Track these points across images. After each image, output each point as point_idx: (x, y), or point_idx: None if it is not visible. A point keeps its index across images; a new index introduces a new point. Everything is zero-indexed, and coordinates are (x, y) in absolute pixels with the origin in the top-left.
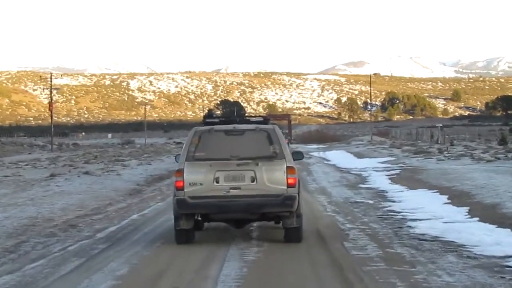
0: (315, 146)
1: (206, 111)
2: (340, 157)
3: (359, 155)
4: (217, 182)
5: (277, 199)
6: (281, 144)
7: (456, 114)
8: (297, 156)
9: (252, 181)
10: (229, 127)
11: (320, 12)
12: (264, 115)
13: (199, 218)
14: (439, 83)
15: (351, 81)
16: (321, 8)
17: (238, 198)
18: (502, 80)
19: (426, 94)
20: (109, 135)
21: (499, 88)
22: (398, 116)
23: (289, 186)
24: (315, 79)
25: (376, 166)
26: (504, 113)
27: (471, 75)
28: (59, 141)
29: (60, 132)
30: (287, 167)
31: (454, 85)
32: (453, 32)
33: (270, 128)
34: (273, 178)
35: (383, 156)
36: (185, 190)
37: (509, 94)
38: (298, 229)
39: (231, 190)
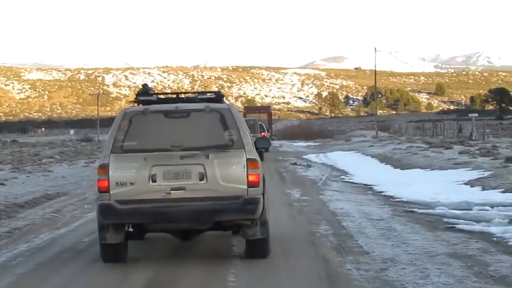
0: (303, 143)
1: (140, 86)
2: (360, 165)
3: (393, 162)
4: (154, 181)
5: (235, 202)
6: (239, 128)
7: (441, 108)
8: (262, 143)
9: (201, 179)
10: (170, 107)
11: (297, 6)
12: (217, 90)
13: (131, 230)
14: (422, 77)
15: (332, 75)
16: (298, 3)
17: (182, 203)
18: (486, 74)
19: (408, 88)
20: (71, 131)
21: (483, 82)
22: (381, 111)
23: (251, 185)
24: (295, 73)
25: (492, 200)
26: (498, 106)
27: (451, 70)
28: (0, 137)
29: (20, 128)
30: (248, 159)
31: (437, 79)
32: (432, 27)
33: (224, 108)
34: (228, 175)
35: (452, 166)
36: (110, 192)
37: (497, 87)
38: (263, 241)
39: (172, 192)
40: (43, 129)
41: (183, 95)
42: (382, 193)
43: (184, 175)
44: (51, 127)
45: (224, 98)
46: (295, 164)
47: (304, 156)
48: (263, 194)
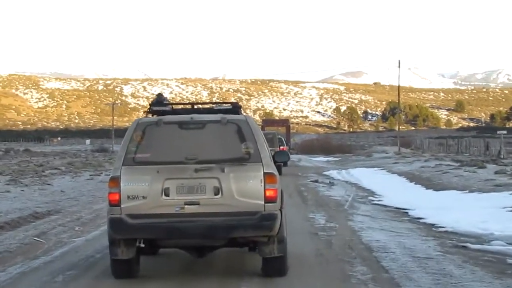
0: (322, 158)
1: (155, 96)
2: (387, 184)
3: (423, 182)
4: (167, 195)
5: (251, 218)
6: (256, 141)
7: (460, 125)
8: (280, 157)
9: (216, 194)
10: (185, 117)
11: (316, 22)
12: (234, 101)
13: (142, 245)
14: (441, 94)
15: (351, 89)
16: (317, 19)
17: (195, 218)
18: (506, 92)
19: (428, 105)
20: (87, 141)
21: (503, 100)
22: (400, 127)
23: (268, 200)
24: (314, 87)
25: None
26: None
27: (470, 87)
28: (14, 146)
29: (37, 137)
30: (265, 173)
31: (457, 96)
32: (452, 43)
33: (242, 119)
34: (245, 190)
35: (493, 188)
36: (121, 206)
37: None
38: (280, 259)
39: (186, 207)
40: (59, 138)
41: (199, 106)
42: (421, 220)
43: (198, 189)
44: (67, 137)
45: (242, 110)
46: (316, 181)
47: (325, 172)
48: (280, 210)
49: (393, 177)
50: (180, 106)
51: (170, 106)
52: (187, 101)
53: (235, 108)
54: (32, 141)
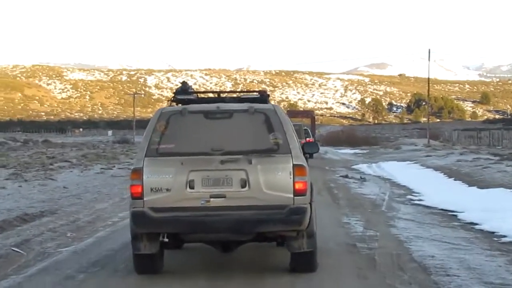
0: (349, 150)
1: (180, 84)
2: (424, 181)
3: (463, 178)
4: (191, 187)
5: (280, 212)
6: (285, 131)
7: (486, 117)
8: (310, 148)
9: (243, 186)
10: (211, 107)
11: (341, 13)
12: (261, 90)
13: (166, 240)
14: (466, 86)
15: (375, 81)
16: (342, 10)
17: (222, 211)
18: None
19: (453, 96)
20: (109, 132)
21: None
22: (424, 119)
23: (297, 193)
24: (338, 78)
25: None
26: None
27: (495, 79)
28: (35, 137)
29: (59, 128)
30: (294, 165)
31: (482, 88)
32: (477, 35)
33: (270, 109)
34: (273, 182)
35: None
36: (144, 199)
37: None
38: (310, 255)
39: (212, 200)
40: (80, 129)
41: (225, 95)
42: (476, 227)
43: (224, 182)
44: (90, 128)
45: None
46: (346, 176)
47: (354, 166)
48: (310, 204)
49: (428, 172)
50: (206, 95)
51: (195, 94)
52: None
53: (263, 97)
54: (54, 132)
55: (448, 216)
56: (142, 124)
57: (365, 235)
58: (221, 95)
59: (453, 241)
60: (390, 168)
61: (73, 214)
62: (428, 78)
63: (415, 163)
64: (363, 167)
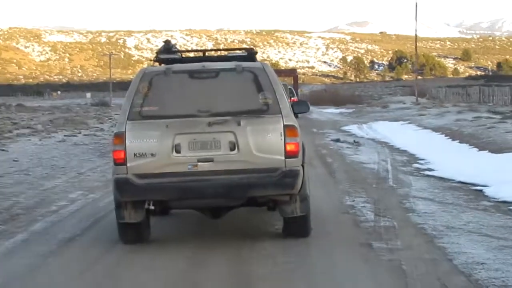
0: (333, 110)
1: (162, 43)
2: (426, 144)
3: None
4: (178, 151)
5: (271, 176)
6: (275, 91)
7: (467, 74)
8: (300, 107)
9: (232, 149)
10: (196, 66)
11: None
12: (249, 47)
13: (152, 207)
14: (448, 43)
15: (357, 39)
16: None
17: (210, 176)
18: None
19: (434, 54)
20: (88, 95)
21: (510, 48)
22: (406, 76)
23: (289, 155)
24: (320, 37)
25: None
26: None
27: (475, 36)
28: (10, 101)
29: (37, 91)
30: (285, 126)
31: (463, 45)
32: None
33: (258, 67)
34: (263, 144)
35: None
36: (128, 164)
37: None
38: (303, 219)
39: (199, 164)
40: (58, 92)
41: (211, 53)
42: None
43: (212, 145)
44: (69, 90)
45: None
46: (338, 140)
47: (343, 128)
48: (302, 166)
49: (427, 133)
50: (191, 54)
51: (179, 54)
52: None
53: (251, 55)
54: (32, 95)
55: (473, 193)
56: (122, 86)
57: (379, 226)
58: (207, 53)
59: (496, 233)
60: (383, 129)
61: (10, 197)
62: (416, 35)
63: (409, 123)
64: (353, 128)
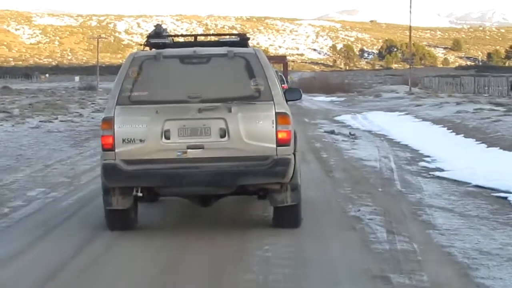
0: (324, 98)
1: (153, 27)
2: (428, 138)
3: (473, 134)
4: (167, 137)
5: (262, 164)
6: (267, 77)
7: (457, 63)
8: (293, 95)
9: (222, 136)
10: (187, 51)
11: None
12: (241, 32)
13: (140, 194)
14: (438, 32)
15: (347, 27)
16: None
17: (200, 163)
18: (503, 30)
19: (425, 43)
20: (76, 78)
21: (500, 39)
22: (396, 65)
23: (280, 143)
24: (310, 24)
25: None
26: None
27: (466, 26)
28: None
29: (25, 74)
30: (277, 113)
31: (454, 35)
32: None
33: (250, 53)
34: (254, 131)
35: None
36: (116, 150)
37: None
38: (294, 209)
39: (188, 151)
40: (46, 75)
41: (202, 38)
42: None
43: (202, 131)
44: (57, 73)
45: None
46: (332, 132)
47: (337, 118)
48: (294, 154)
49: (427, 126)
50: (182, 39)
51: (170, 38)
52: (182, 39)
53: (243, 41)
54: (20, 78)
55: (496, 201)
56: (111, 70)
57: (396, 249)
58: (198, 38)
59: None
60: (379, 120)
61: None
62: (410, 26)
63: (406, 114)
64: (347, 118)
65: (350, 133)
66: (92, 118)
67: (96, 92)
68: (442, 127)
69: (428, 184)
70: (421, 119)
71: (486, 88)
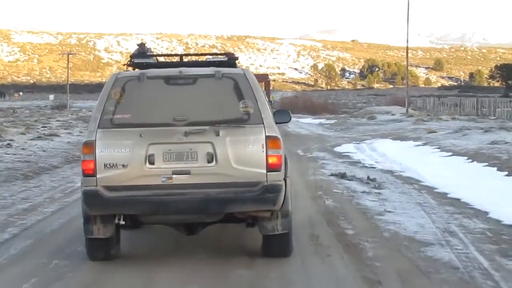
0: (311, 120)
1: (136, 46)
2: (486, 187)
3: None
4: (151, 162)
5: (251, 190)
6: (256, 99)
7: (439, 84)
8: (282, 117)
9: (210, 161)
10: (172, 71)
11: None
12: (229, 52)
13: (122, 222)
14: (419, 52)
15: (328, 47)
16: None
17: (186, 190)
18: (484, 51)
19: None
20: (51, 97)
21: (482, 59)
22: (377, 85)
23: (271, 168)
24: (291, 44)
25: None
26: (504, 83)
27: (446, 46)
28: None
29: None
30: (268, 137)
31: (435, 54)
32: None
33: (239, 73)
34: (244, 156)
35: None
36: (97, 176)
37: (503, 63)
38: (284, 237)
39: (174, 176)
40: (20, 93)
41: (188, 58)
42: None
43: (189, 156)
44: (33, 92)
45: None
46: (343, 176)
47: (337, 149)
48: (285, 180)
49: (464, 163)
50: (167, 59)
51: (155, 58)
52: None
53: (231, 60)
54: None
55: None
56: (89, 88)
57: None
58: (184, 58)
59: None
60: (393, 152)
61: None
62: (407, 47)
63: (424, 144)
64: (351, 149)
65: (368, 177)
66: (23, 148)
67: (65, 111)
68: (487, 165)
69: None
70: (450, 153)
71: (488, 109)
